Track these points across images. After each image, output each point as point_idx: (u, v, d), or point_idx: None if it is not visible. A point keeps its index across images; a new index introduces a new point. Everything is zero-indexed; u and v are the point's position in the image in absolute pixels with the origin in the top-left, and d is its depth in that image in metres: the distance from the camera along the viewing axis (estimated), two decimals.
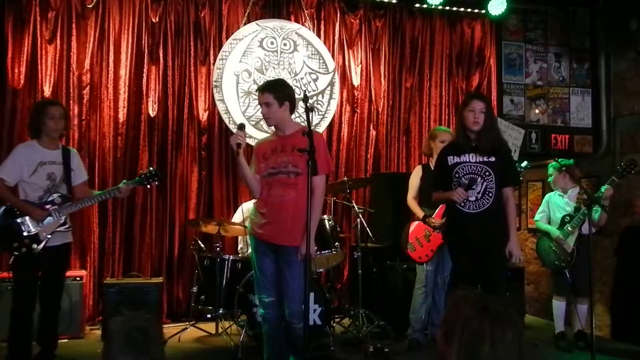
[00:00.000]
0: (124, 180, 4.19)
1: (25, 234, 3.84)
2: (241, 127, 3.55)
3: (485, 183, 3.71)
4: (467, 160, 3.76)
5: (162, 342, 1.62)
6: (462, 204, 3.72)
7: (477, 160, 3.74)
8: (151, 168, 4.32)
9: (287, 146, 3.53)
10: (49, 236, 3.91)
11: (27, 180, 3.91)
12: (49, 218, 3.91)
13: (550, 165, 5.16)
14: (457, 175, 3.77)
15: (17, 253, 3.81)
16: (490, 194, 3.71)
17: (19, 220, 3.85)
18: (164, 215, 5.67)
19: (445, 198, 3.84)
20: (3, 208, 3.88)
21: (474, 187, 3.70)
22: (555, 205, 5.08)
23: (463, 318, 1.46)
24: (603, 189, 4.65)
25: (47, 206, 3.92)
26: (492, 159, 3.73)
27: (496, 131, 3.89)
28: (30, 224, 3.87)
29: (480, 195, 3.70)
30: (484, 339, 1.41)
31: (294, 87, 5.92)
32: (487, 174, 3.72)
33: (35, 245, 3.85)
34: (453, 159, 3.80)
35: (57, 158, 4.05)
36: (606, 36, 6.11)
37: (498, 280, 3.76)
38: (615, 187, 4.67)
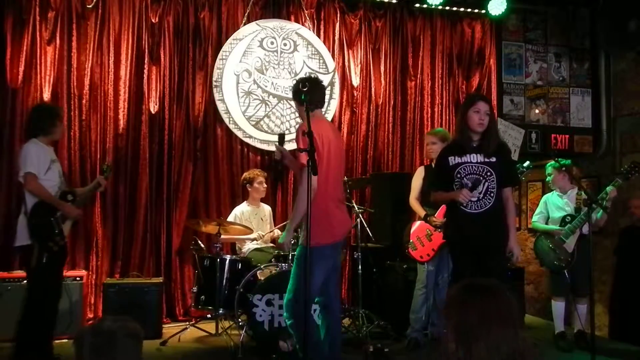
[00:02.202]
0: (101, 176, 4.35)
1: (56, 231, 3.98)
2: (280, 139, 3.55)
3: (487, 183, 3.71)
4: (469, 160, 3.75)
5: (135, 344, 1.67)
6: (465, 204, 3.72)
7: (479, 161, 3.74)
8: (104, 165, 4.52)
9: None
10: (65, 234, 4.09)
11: (43, 177, 4.00)
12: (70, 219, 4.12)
13: (548, 164, 5.15)
14: (458, 175, 3.76)
15: (48, 252, 3.91)
16: (492, 194, 3.71)
17: (52, 220, 3.97)
18: (164, 215, 5.67)
19: (449, 198, 3.83)
20: (37, 204, 3.95)
21: (478, 188, 3.70)
22: (554, 205, 5.08)
23: (454, 296, 1.51)
24: (608, 189, 4.65)
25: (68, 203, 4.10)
26: (493, 159, 3.73)
27: (497, 133, 3.90)
28: (60, 222, 4.00)
29: (482, 195, 3.70)
30: (470, 309, 1.43)
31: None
32: (488, 174, 3.71)
33: (62, 243, 4.02)
34: (454, 159, 3.79)
35: (54, 155, 4.23)
36: (605, 37, 6.12)
37: (498, 280, 3.75)
38: (618, 188, 4.69)
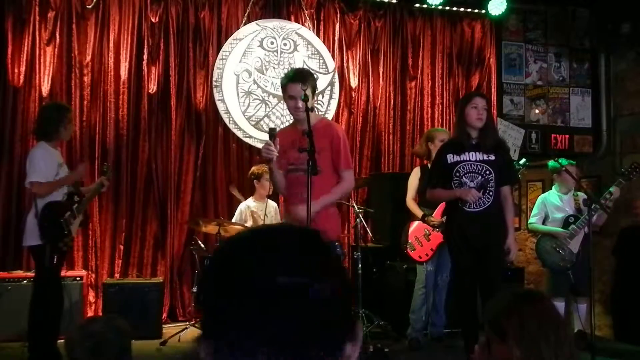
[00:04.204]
0: (103, 177, 4.34)
1: (65, 232, 3.98)
2: (271, 134, 3.32)
3: None
4: (468, 159, 3.74)
5: (125, 343, 1.69)
6: (462, 203, 3.71)
7: (478, 159, 3.73)
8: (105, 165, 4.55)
9: (305, 140, 3.32)
10: (74, 234, 4.13)
11: (51, 182, 3.98)
12: (78, 218, 4.13)
13: (553, 163, 5.08)
14: (457, 174, 3.75)
15: (58, 253, 3.93)
16: (491, 193, 3.71)
17: (61, 220, 3.96)
18: (164, 215, 5.67)
19: (452, 196, 3.80)
20: (47, 205, 3.93)
21: (488, 187, 3.69)
22: (553, 205, 5.07)
23: (509, 307, 1.54)
24: (612, 189, 4.66)
25: (74, 205, 4.08)
26: (492, 157, 3.73)
27: (495, 130, 3.91)
28: (69, 222, 4.00)
29: (481, 194, 3.70)
30: (529, 316, 1.50)
31: None
32: (487, 172, 3.71)
33: (71, 243, 4.06)
34: (453, 157, 3.78)
35: (61, 158, 4.20)
36: (599, 39, 6.15)
37: (496, 278, 3.77)
38: (622, 188, 4.70)
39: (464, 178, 3.72)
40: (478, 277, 3.73)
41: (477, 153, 3.73)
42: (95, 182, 4.48)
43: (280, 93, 5.91)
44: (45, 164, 3.94)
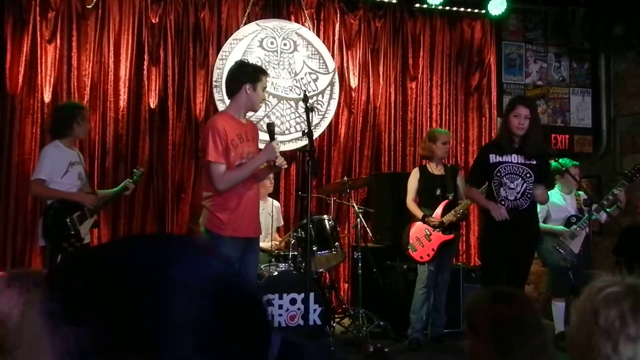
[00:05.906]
0: (129, 180, 4.36)
1: (72, 232, 3.92)
2: (272, 130, 3.41)
3: (525, 184, 3.83)
4: (510, 160, 3.87)
5: None
6: (502, 202, 3.82)
7: (520, 162, 3.85)
8: (137, 170, 4.51)
9: (250, 135, 3.54)
10: (87, 235, 4.04)
11: (58, 181, 3.95)
12: (90, 219, 4.05)
13: (555, 164, 5.07)
14: (498, 174, 3.86)
15: (60, 253, 3.87)
16: (529, 195, 3.84)
17: (67, 220, 3.91)
18: (163, 215, 5.67)
19: (483, 205, 3.95)
20: (51, 205, 3.91)
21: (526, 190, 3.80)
22: (556, 205, 5.06)
23: (485, 305, 1.50)
24: (616, 192, 4.67)
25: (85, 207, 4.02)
26: (534, 161, 3.85)
27: (540, 136, 3.96)
28: (77, 222, 3.94)
29: (519, 195, 3.82)
30: (507, 318, 1.45)
31: (293, 87, 6.01)
32: (527, 175, 3.84)
33: (78, 244, 3.94)
34: (495, 157, 3.89)
35: (78, 158, 4.15)
36: (592, 40, 6.16)
37: (523, 277, 3.92)
38: (625, 189, 4.71)
39: (504, 179, 3.84)
40: (506, 274, 3.84)
41: (519, 156, 3.85)
42: (119, 185, 4.44)
43: (279, 93, 6.00)
44: (53, 162, 3.93)
